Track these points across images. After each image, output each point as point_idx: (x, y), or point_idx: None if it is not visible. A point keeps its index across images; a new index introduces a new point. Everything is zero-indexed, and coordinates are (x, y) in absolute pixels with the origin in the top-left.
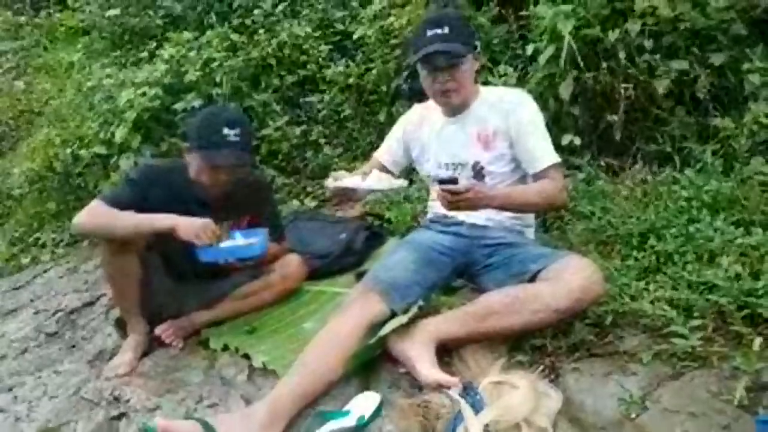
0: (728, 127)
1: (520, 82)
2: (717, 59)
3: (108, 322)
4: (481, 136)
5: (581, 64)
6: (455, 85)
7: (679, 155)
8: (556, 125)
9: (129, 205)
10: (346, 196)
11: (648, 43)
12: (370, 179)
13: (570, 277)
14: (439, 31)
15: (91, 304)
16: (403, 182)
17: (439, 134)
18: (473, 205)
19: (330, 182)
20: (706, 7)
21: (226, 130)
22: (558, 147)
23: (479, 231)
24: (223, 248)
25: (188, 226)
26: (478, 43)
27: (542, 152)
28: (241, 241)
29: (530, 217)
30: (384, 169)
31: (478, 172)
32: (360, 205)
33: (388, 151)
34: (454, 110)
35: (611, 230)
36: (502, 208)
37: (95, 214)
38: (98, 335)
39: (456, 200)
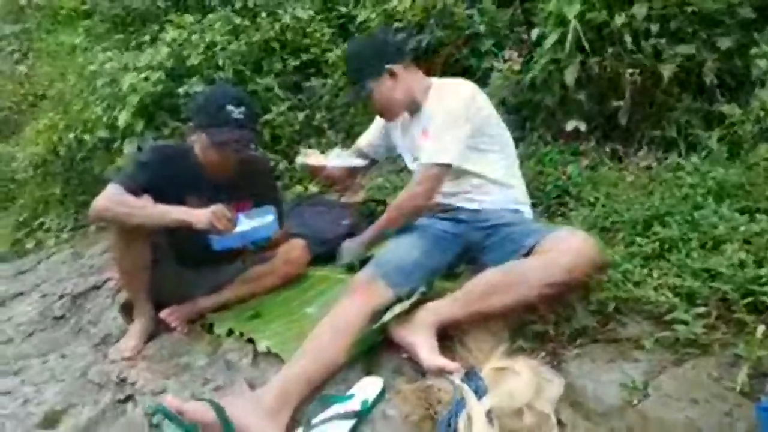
0: (734, 113)
1: (525, 67)
2: (724, 43)
3: (113, 306)
4: (426, 133)
5: (587, 48)
6: (378, 110)
7: (685, 141)
8: (561, 110)
9: (143, 189)
10: (316, 172)
11: (654, 28)
12: (330, 157)
13: (562, 249)
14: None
15: (96, 288)
16: (360, 161)
17: (404, 130)
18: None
19: (299, 159)
20: None
21: (230, 107)
22: (562, 133)
23: (475, 215)
24: (235, 234)
25: (203, 216)
26: (385, 57)
27: (429, 148)
28: (251, 224)
29: (522, 195)
30: (361, 151)
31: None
32: (363, 191)
33: (368, 135)
34: (413, 110)
35: (615, 216)
36: (374, 239)
37: (113, 202)
38: (104, 319)
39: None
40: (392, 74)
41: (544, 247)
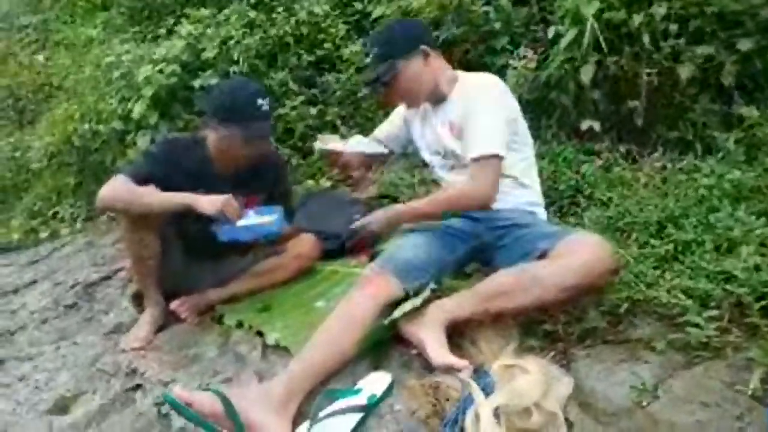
0: (753, 116)
1: (540, 66)
2: (744, 45)
3: (125, 297)
4: (452, 126)
5: (604, 47)
6: (398, 98)
7: (701, 143)
8: (575, 110)
9: (149, 179)
10: (334, 158)
11: (673, 28)
12: (350, 142)
13: (577, 254)
14: (367, 58)
15: (108, 278)
16: (383, 149)
17: (423, 121)
18: (385, 227)
19: (318, 145)
20: None
21: (259, 101)
22: (577, 132)
23: (490, 213)
24: (241, 227)
25: (209, 202)
26: (421, 37)
27: (474, 142)
28: (259, 219)
29: (537, 196)
30: (379, 141)
31: (458, 160)
32: (374, 186)
33: (386, 125)
34: (435, 100)
35: (629, 217)
36: (405, 220)
37: (118, 190)
38: (115, 309)
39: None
40: (426, 56)
41: (558, 251)
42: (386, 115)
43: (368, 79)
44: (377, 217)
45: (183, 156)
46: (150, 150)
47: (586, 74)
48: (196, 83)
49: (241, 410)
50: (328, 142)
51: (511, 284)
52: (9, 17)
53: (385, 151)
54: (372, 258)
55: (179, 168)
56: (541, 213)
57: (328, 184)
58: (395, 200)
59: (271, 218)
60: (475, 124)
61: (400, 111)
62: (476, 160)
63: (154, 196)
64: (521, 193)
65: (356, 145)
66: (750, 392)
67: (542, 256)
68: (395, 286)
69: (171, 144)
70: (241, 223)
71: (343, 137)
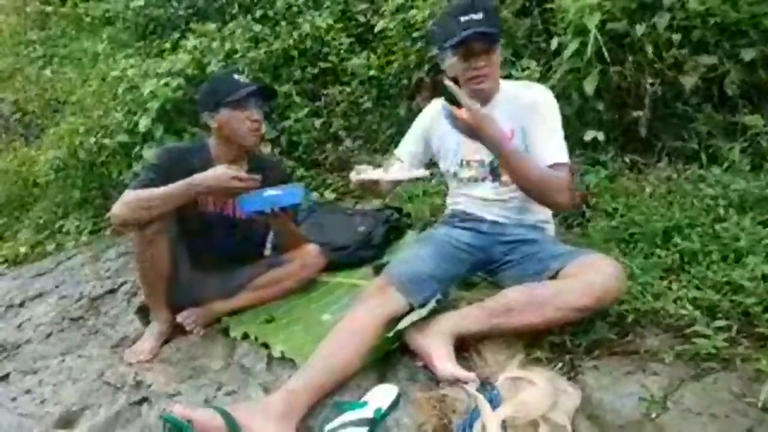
0: (757, 125)
1: (544, 77)
2: (747, 54)
3: (130, 309)
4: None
5: (607, 58)
6: (489, 70)
7: (706, 153)
8: (579, 120)
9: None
10: (370, 188)
11: (676, 38)
12: (392, 170)
13: (592, 276)
14: (474, 16)
15: (113, 291)
16: (425, 172)
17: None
18: (475, 129)
19: (353, 175)
20: (737, 1)
21: (235, 76)
22: (581, 142)
23: (498, 228)
24: (266, 197)
25: (219, 172)
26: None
27: (549, 149)
28: (278, 191)
29: (548, 214)
30: (408, 162)
31: (494, 170)
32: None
33: (407, 147)
34: (480, 100)
35: (634, 228)
36: (500, 154)
37: (130, 201)
38: (121, 322)
39: (458, 119)
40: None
41: (571, 271)
42: (390, 127)
43: (479, 27)
44: (485, 117)
45: (184, 161)
46: (151, 161)
47: (590, 85)
48: None
49: (241, 423)
50: (364, 173)
51: (523, 302)
52: (16, 33)
53: (426, 173)
54: (377, 271)
55: (181, 173)
56: (550, 229)
57: (333, 196)
58: (399, 211)
59: (290, 189)
60: (544, 134)
61: (418, 129)
62: (554, 165)
63: (161, 191)
64: (531, 208)
65: (398, 172)
66: (760, 404)
67: (554, 276)
68: (399, 300)
69: (171, 151)
70: (266, 193)
71: (349, 150)
